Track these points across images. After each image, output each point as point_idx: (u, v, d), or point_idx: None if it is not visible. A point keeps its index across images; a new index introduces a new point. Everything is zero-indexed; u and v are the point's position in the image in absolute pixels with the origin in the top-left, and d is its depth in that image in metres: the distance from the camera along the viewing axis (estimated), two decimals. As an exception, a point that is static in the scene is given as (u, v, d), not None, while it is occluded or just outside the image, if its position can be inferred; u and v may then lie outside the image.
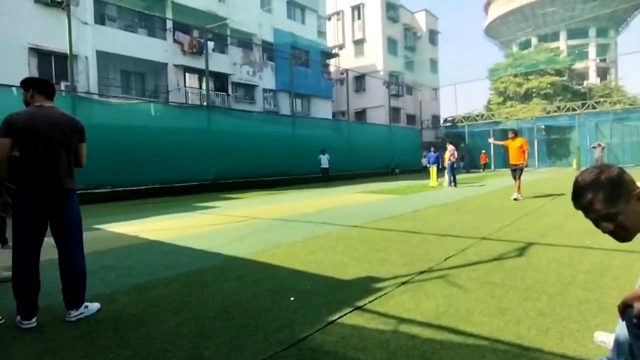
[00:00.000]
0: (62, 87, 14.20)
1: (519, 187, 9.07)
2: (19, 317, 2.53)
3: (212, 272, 3.72)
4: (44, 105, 2.64)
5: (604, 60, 52.14)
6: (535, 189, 11.61)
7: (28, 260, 2.53)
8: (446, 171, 13.91)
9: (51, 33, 14.24)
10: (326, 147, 18.94)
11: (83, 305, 2.67)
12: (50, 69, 14.92)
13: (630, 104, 27.85)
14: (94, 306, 2.75)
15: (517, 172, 9.17)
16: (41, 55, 14.63)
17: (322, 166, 18.31)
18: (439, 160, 15.51)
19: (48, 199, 2.56)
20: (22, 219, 2.53)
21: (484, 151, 27.39)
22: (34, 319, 2.53)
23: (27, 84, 2.67)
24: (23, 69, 13.54)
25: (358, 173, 22.73)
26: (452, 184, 13.54)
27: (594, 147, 21.43)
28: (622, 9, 46.47)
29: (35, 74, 14.09)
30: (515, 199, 8.86)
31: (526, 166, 9.23)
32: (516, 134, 9.51)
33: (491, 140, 11.03)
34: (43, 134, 2.54)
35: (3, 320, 2.60)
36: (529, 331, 2.23)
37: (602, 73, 51.81)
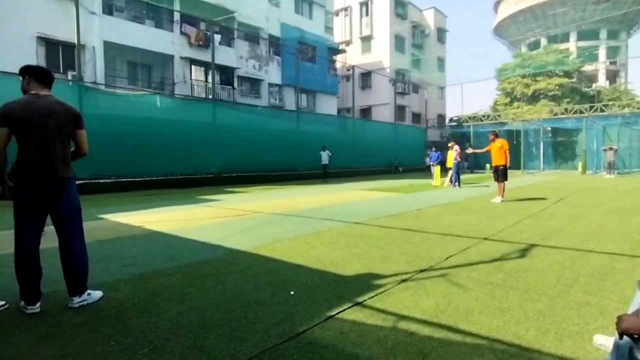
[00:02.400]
0: (69, 77, 14.27)
1: (502, 190, 8.85)
2: (22, 302, 2.57)
3: (213, 264, 3.75)
4: (39, 94, 2.62)
5: (614, 63, 51.57)
6: (539, 192, 11.56)
7: (28, 248, 2.56)
8: (451, 170, 13.87)
9: (59, 23, 14.27)
10: (330, 143, 18.88)
11: (86, 293, 2.71)
12: (58, 59, 14.97)
13: (639, 108, 27.53)
14: (97, 294, 2.79)
15: (499, 173, 8.97)
16: (49, 44, 14.68)
17: (322, 162, 18.15)
18: (441, 160, 15.48)
19: (45, 188, 2.57)
20: (21, 208, 2.55)
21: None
22: (37, 305, 2.57)
23: (23, 71, 2.66)
24: (31, 58, 13.59)
25: (361, 170, 22.69)
26: (456, 184, 13.50)
27: (605, 150, 21.24)
28: (634, 11, 45.86)
29: (43, 63, 14.13)
30: (497, 201, 8.72)
31: (508, 167, 9.01)
32: (496, 135, 9.28)
33: (470, 150, 10.54)
34: (37, 124, 2.53)
35: (7, 305, 2.64)
36: (528, 332, 2.23)
37: (612, 76, 51.26)
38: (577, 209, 7.48)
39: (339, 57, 30.47)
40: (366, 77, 33.00)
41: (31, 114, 2.52)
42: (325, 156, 18.07)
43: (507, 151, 9.01)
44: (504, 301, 2.72)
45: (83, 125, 2.77)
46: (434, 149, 16.25)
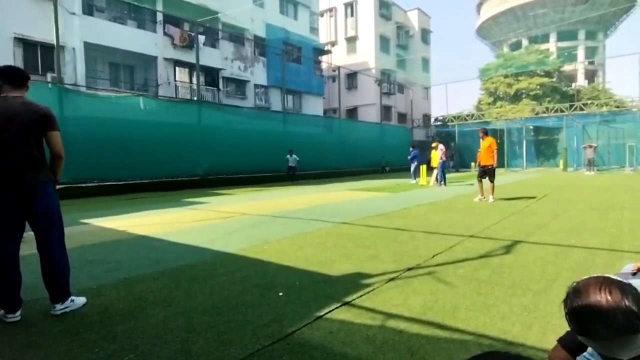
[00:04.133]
0: (49, 79, 13.93)
1: (492, 189, 8.61)
2: (2, 310, 2.49)
3: (200, 267, 3.71)
4: (7, 97, 2.51)
5: (592, 63, 53.04)
6: (522, 189, 11.79)
7: (6, 255, 2.48)
8: (436, 170, 14.03)
9: (37, 23, 13.91)
10: (317, 144, 18.88)
11: (69, 299, 2.64)
12: (36, 60, 14.59)
13: (617, 107, 28.36)
14: (80, 300, 2.72)
15: (487, 173, 8.71)
16: (27, 45, 14.30)
17: (289, 164, 17.37)
18: (419, 158, 15.77)
19: (14, 194, 2.47)
20: None
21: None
22: (18, 313, 2.50)
23: None
24: (8, 59, 13.20)
25: (348, 170, 22.77)
26: (442, 182, 13.67)
27: (585, 148, 21.71)
28: (611, 12, 47.25)
29: (20, 64, 13.75)
30: (486, 200, 8.43)
31: (496, 167, 8.79)
32: (486, 132, 8.94)
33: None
34: (1, 128, 2.43)
35: (-14, 314, 2.55)
36: (514, 326, 2.28)
37: (590, 75, 52.69)
38: (558, 205, 7.65)
39: (324, 58, 30.52)
40: (352, 77, 33.13)
41: None
42: (292, 160, 17.32)
43: (496, 151, 8.70)
44: (489, 297, 2.76)
45: (55, 126, 2.61)
46: (411, 148, 16.55)
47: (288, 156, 17.43)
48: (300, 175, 18.73)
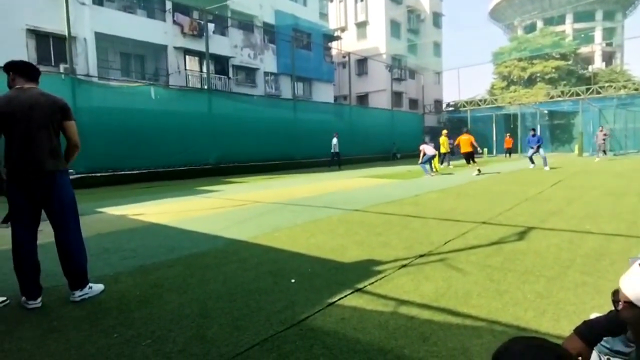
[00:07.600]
0: (62, 70, 14.08)
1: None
2: (24, 297, 2.57)
3: (214, 254, 3.76)
4: (23, 88, 2.57)
5: (610, 45, 51.21)
6: (536, 175, 11.60)
7: (24, 245, 2.56)
8: (420, 163, 13.88)
9: (49, 14, 14.01)
10: (328, 131, 18.69)
11: (87, 286, 2.71)
12: (49, 51, 14.75)
13: (636, 89, 27.42)
14: (98, 287, 2.79)
15: (469, 156, 13.35)
16: (39, 37, 14.44)
17: (333, 150, 17.21)
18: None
19: (33, 183, 2.54)
20: (14, 204, 2.55)
21: (508, 134, 26.50)
22: (39, 299, 2.58)
23: (7, 67, 2.60)
24: (21, 51, 13.39)
25: (359, 157, 22.65)
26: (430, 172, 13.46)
27: (601, 140, 20.03)
28: (631, -10, 45.38)
29: (33, 56, 13.94)
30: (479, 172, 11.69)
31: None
32: (467, 131, 13.14)
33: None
34: (21, 118, 2.49)
35: (9, 301, 2.64)
36: (526, 313, 2.26)
37: (608, 57, 50.98)
38: (573, 191, 7.52)
39: (334, 44, 30.12)
40: (362, 63, 32.69)
41: (15, 109, 2.48)
42: (335, 145, 17.10)
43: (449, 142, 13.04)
44: (502, 283, 2.75)
45: (71, 116, 2.69)
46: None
47: (335, 140, 17.06)
48: (310, 163, 18.76)
